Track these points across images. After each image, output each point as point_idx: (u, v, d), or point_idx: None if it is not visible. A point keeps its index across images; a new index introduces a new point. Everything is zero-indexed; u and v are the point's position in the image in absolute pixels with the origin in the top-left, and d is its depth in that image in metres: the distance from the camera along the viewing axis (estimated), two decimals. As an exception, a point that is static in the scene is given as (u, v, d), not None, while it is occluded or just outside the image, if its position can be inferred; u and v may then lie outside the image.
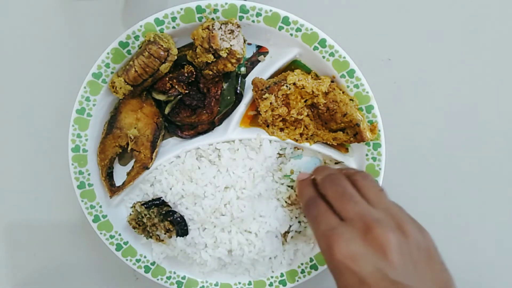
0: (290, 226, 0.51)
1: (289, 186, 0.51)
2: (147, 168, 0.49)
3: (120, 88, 0.45)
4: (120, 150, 0.49)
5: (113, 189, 0.50)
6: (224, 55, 0.43)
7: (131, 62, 0.45)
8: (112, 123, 0.49)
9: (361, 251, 0.35)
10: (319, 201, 0.41)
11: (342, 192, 0.39)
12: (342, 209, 0.38)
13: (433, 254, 0.37)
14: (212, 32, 0.43)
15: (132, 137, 0.48)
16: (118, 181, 0.50)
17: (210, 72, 0.45)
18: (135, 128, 0.49)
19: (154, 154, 0.49)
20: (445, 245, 0.57)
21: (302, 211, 0.49)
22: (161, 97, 0.47)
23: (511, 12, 0.54)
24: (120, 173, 0.51)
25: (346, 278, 0.34)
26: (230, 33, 0.44)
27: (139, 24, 0.45)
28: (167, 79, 0.47)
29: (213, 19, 0.45)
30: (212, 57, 0.44)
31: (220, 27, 0.44)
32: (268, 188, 0.50)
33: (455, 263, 0.58)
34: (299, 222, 0.52)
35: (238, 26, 0.44)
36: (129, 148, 0.49)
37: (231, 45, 0.44)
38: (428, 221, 0.57)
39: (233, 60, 0.44)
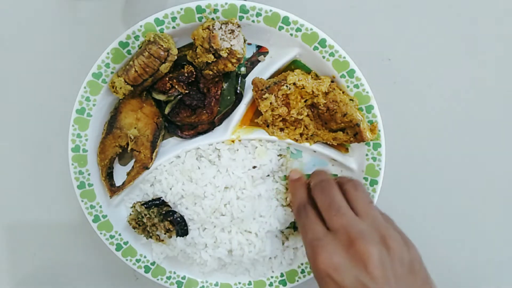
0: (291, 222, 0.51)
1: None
2: (147, 168, 0.49)
3: (120, 88, 0.45)
4: (120, 150, 0.49)
5: (113, 189, 0.50)
6: (225, 55, 0.43)
7: (131, 62, 0.45)
8: (112, 123, 0.49)
9: (343, 262, 0.36)
10: (309, 208, 0.43)
11: (330, 202, 0.41)
12: (328, 220, 0.40)
13: (417, 268, 0.38)
14: (213, 32, 0.43)
15: (132, 137, 0.48)
16: (118, 181, 0.50)
17: (211, 72, 0.45)
18: (135, 128, 0.49)
19: (154, 154, 0.49)
20: (445, 245, 0.57)
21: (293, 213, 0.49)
22: (161, 97, 0.47)
23: (511, 12, 0.54)
24: (120, 173, 0.51)
25: (328, 287, 0.36)
26: (230, 33, 0.44)
27: (139, 24, 0.45)
28: (167, 79, 0.47)
29: (213, 19, 0.45)
30: (213, 57, 0.44)
31: (221, 27, 0.44)
32: (268, 188, 0.50)
33: (454, 263, 0.58)
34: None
35: (239, 26, 0.44)
36: (129, 148, 0.49)
37: (231, 45, 0.44)
38: (428, 221, 0.57)
39: (234, 60, 0.44)
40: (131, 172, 0.50)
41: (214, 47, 0.43)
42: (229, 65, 0.44)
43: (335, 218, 0.39)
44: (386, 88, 0.54)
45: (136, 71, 0.45)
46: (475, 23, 0.54)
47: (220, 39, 0.43)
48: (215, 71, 0.45)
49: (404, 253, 0.38)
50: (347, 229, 0.38)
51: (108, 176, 0.50)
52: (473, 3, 0.54)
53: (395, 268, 0.36)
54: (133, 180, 0.49)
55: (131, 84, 0.45)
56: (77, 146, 0.48)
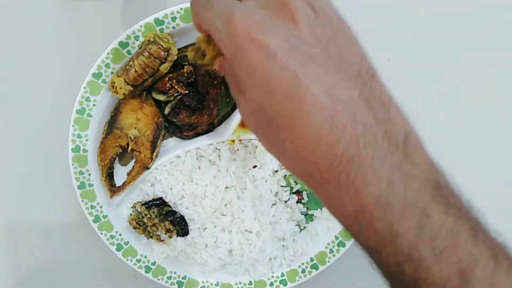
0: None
1: (289, 186, 0.51)
2: (147, 168, 0.49)
3: (120, 88, 0.45)
4: (121, 150, 0.49)
5: (113, 189, 0.50)
6: None
7: (131, 62, 0.45)
8: (112, 123, 0.48)
9: (268, 20, 0.27)
10: None
11: None
12: None
13: (350, 37, 0.30)
14: None
15: (133, 137, 0.48)
16: (118, 181, 0.50)
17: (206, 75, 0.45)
18: (135, 128, 0.48)
19: (155, 154, 0.49)
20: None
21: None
22: (161, 97, 0.47)
23: None
24: (120, 173, 0.51)
25: (251, 57, 0.26)
26: None
27: (139, 24, 0.45)
28: (166, 79, 0.46)
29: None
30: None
31: None
32: (269, 188, 0.50)
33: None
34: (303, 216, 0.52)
35: None
36: (129, 148, 0.49)
37: None
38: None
39: None
40: (132, 172, 0.50)
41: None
42: None
43: None
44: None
45: (136, 71, 0.44)
46: (476, 23, 0.54)
47: None
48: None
49: (334, 20, 0.30)
50: None
51: (109, 176, 0.50)
52: (473, 2, 0.54)
53: (325, 31, 0.28)
54: (134, 180, 0.49)
55: (131, 84, 0.45)
56: (78, 147, 0.48)
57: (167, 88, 0.47)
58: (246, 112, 0.29)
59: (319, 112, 0.25)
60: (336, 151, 0.25)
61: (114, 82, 0.45)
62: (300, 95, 0.25)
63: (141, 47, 0.45)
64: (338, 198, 0.26)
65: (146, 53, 0.44)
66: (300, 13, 0.27)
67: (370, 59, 0.29)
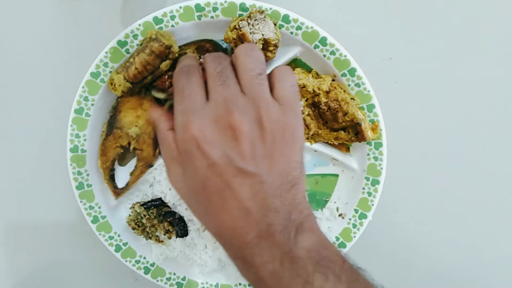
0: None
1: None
2: (151, 166, 0.48)
3: (120, 85, 0.45)
4: (122, 151, 0.49)
5: (117, 191, 0.49)
6: (260, 46, 0.43)
7: (131, 59, 0.44)
8: (112, 123, 0.48)
9: (216, 135, 0.36)
10: (196, 72, 0.40)
11: (220, 72, 0.38)
12: (212, 89, 0.38)
13: (291, 150, 0.37)
14: (241, 30, 0.42)
15: (134, 136, 0.48)
16: (118, 182, 0.50)
17: None
18: (136, 126, 0.48)
19: (157, 151, 0.48)
20: (445, 244, 0.57)
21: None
22: (160, 95, 0.47)
23: (513, 10, 0.54)
24: (120, 174, 0.50)
25: (196, 160, 0.36)
26: (258, 23, 0.43)
27: (137, 23, 0.45)
28: (166, 77, 0.46)
29: (212, 17, 0.45)
30: None
31: (247, 22, 0.43)
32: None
33: (454, 262, 0.58)
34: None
35: (262, 12, 0.43)
36: (131, 147, 0.48)
37: (262, 34, 0.43)
38: (429, 220, 0.57)
39: (271, 48, 0.43)
40: (135, 171, 0.49)
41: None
42: (269, 54, 0.44)
43: (220, 88, 0.37)
44: (388, 87, 0.54)
45: (136, 68, 0.44)
46: (477, 22, 0.54)
47: (250, 33, 0.42)
48: None
49: (279, 131, 0.36)
50: (227, 103, 0.36)
51: (111, 178, 0.49)
52: (474, 2, 0.54)
53: (266, 146, 0.36)
54: (137, 180, 0.49)
55: (130, 81, 0.45)
56: (76, 147, 0.47)
57: (167, 86, 0.46)
58: (180, 183, 0.39)
59: (237, 211, 0.35)
60: (245, 239, 0.35)
61: (113, 79, 0.45)
62: (227, 196, 0.35)
63: (141, 44, 0.45)
64: (245, 270, 0.36)
65: (148, 50, 0.43)
66: (244, 136, 0.35)
67: (299, 167, 0.38)
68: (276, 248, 0.34)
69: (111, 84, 0.45)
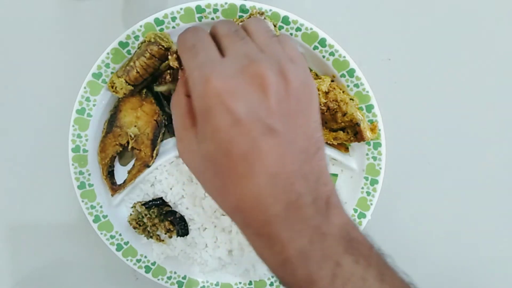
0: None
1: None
2: (148, 166, 0.49)
3: (121, 88, 0.46)
4: (121, 149, 0.49)
5: (114, 188, 0.50)
6: None
7: (131, 63, 0.45)
8: (112, 121, 0.49)
9: (241, 87, 0.30)
10: (204, 32, 0.35)
11: (236, 31, 0.35)
12: (228, 46, 0.33)
13: (311, 109, 0.34)
14: None
15: (133, 136, 0.48)
16: (119, 181, 0.50)
17: None
18: (135, 126, 0.49)
19: (155, 152, 0.49)
20: (445, 244, 0.57)
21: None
22: (162, 88, 0.47)
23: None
24: (121, 173, 0.51)
25: (218, 117, 0.30)
26: None
27: (139, 24, 0.45)
28: (166, 74, 0.46)
29: (213, 19, 0.45)
30: None
31: None
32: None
33: (454, 262, 0.58)
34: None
35: (262, 14, 0.44)
36: (129, 147, 0.49)
37: None
38: (428, 220, 0.57)
39: None
40: (132, 170, 0.50)
41: None
42: None
43: (239, 44, 0.33)
44: (386, 88, 0.54)
45: (137, 72, 0.45)
46: (476, 23, 0.54)
47: None
48: None
49: (300, 91, 0.32)
50: (248, 55, 0.32)
51: (109, 175, 0.50)
52: (474, 3, 0.54)
53: (290, 106, 0.32)
54: (134, 178, 0.49)
55: (132, 84, 0.45)
56: (78, 147, 0.48)
57: (168, 81, 0.46)
58: (192, 154, 0.34)
59: (265, 178, 0.30)
60: (272, 211, 0.30)
61: (114, 83, 0.45)
62: (254, 159, 0.30)
63: (140, 47, 0.45)
64: (269, 249, 0.31)
65: (148, 54, 0.44)
66: (272, 87, 0.31)
67: (319, 128, 0.34)
68: (306, 223, 0.30)
69: (112, 87, 0.46)
